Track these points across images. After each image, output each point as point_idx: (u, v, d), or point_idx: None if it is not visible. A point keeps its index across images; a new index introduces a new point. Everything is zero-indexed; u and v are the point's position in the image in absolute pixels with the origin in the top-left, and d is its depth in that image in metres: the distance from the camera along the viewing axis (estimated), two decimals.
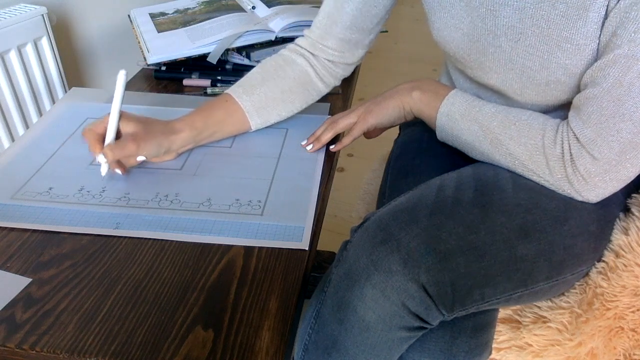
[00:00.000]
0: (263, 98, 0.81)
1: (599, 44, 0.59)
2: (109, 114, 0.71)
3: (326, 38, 0.82)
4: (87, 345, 0.50)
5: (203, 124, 0.78)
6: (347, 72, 0.88)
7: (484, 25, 0.66)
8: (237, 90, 0.80)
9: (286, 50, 0.85)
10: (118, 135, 0.73)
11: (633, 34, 0.54)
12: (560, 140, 0.61)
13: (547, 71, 0.63)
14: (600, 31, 0.58)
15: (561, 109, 0.69)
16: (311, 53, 0.84)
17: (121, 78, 0.71)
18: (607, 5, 0.57)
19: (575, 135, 0.60)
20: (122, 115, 0.72)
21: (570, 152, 0.60)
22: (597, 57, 0.60)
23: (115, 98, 0.71)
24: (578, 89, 0.62)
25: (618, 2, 0.55)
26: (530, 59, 0.64)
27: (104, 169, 0.72)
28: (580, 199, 0.62)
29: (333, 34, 0.81)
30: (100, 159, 0.70)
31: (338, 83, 0.89)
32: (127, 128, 0.72)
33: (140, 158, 0.73)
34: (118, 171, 0.72)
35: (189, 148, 0.79)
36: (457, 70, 0.80)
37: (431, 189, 0.63)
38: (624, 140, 0.57)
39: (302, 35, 0.86)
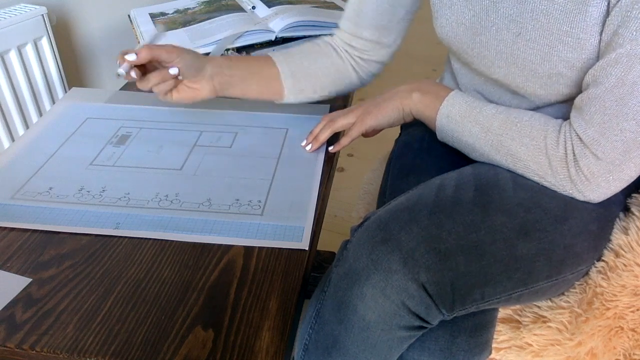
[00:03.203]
0: (299, 67, 0.83)
1: (600, 41, 0.59)
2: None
3: (354, 37, 0.85)
4: (87, 345, 0.51)
5: (236, 60, 0.82)
6: (377, 70, 0.90)
7: (487, 18, 0.66)
8: (275, 54, 0.84)
9: (321, 40, 0.88)
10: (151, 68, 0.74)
11: (635, 33, 0.54)
12: (563, 141, 0.61)
13: (549, 64, 0.63)
14: (602, 28, 0.58)
15: (566, 103, 0.68)
16: (343, 49, 0.87)
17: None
18: (609, 2, 0.56)
19: (578, 135, 0.59)
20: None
21: (574, 153, 0.60)
22: (598, 54, 0.60)
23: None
24: (581, 83, 0.62)
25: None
26: (532, 52, 0.64)
27: (123, 68, 0.70)
28: (583, 199, 0.62)
29: (358, 34, 0.84)
30: (130, 56, 0.69)
31: (370, 79, 0.90)
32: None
33: (174, 70, 0.72)
34: (133, 74, 0.71)
35: (220, 82, 0.79)
36: (461, 64, 0.80)
37: (431, 188, 0.63)
38: (628, 140, 0.57)
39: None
